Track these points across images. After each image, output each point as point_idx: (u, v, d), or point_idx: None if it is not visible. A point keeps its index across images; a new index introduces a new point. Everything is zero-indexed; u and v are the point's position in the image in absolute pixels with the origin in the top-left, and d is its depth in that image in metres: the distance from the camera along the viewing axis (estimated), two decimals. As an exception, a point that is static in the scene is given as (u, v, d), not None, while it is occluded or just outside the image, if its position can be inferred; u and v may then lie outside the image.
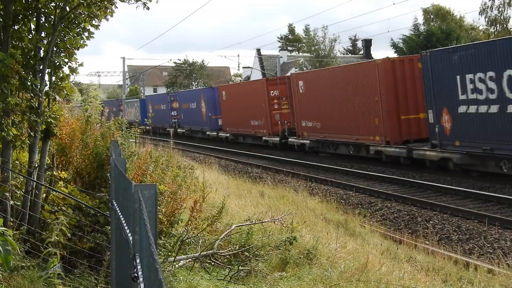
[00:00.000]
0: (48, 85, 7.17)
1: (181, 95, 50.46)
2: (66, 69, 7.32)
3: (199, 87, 68.31)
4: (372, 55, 64.35)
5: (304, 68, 52.55)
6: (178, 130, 48.47)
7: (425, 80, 20.14)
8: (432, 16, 57.33)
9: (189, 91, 54.42)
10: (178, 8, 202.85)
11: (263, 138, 33.61)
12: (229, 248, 7.81)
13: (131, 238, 3.03)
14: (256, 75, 59.84)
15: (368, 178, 20.39)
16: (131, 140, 10.99)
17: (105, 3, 7.22)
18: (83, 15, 7.20)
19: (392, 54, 53.93)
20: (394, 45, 53.80)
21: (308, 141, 28.67)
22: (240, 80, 65.73)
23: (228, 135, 38.81)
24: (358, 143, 24.63)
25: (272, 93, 32.60)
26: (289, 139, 30.87)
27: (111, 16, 7.45)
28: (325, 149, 27.78)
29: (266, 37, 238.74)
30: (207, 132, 42.60)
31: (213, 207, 9.49)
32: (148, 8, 7.53)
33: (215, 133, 41.11)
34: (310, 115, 28.25)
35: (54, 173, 7.45)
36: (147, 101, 59.29)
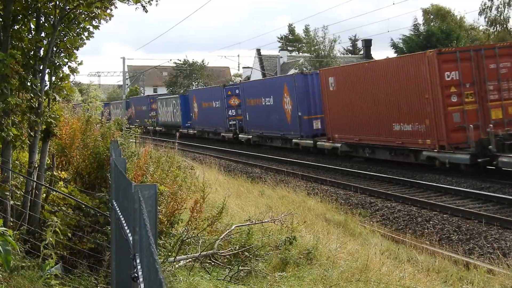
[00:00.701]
0: (48, 85, 7.18)
1: (247, 87, 36.19)
2: (66, 69, 7.34)
3: (200, 85, 67.47)
4: (372, 55, 64.43)
5: (304, 69, 52.43)
6: (240, 135, 35.80)
7: None
8: (432, 16, 57.36)
9: (262, 81, 38.85)
10: (178, 8, 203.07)
11: (424, 153, 19.81)
12: (229, 248, 7.81)
13: (131, 238, 3.03)
14: (256, 75, 59.82)
15: (368, 178, 20.38)
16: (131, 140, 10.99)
17: (105, 3, 7.22)
18: (83, 15, 7.21)
19: (392, 54, 54.02)
20: (394, 45, 53.86)
21: None
22: (240, 81, 65.34)
23: (339, 145, 24.83)
24: None
25: (448, 76, 18.81)
26: (502, 159, 16.95)
27: (110, 19, 7.46)
28: None
29: (266, 37, 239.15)
30: (295, 140, 28.70)
31: (213, 207, 9.49)
32: (146, 11, 7.54)
33: (310, 142, 27.33)
34: None
35: (54, 173, 7.45)
36: (192, 96, 45.71)
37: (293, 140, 28.93)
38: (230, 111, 37.89)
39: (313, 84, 28.00)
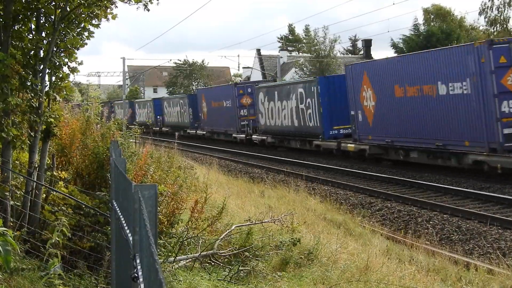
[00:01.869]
0: (48, 85, 7.17)
1: None
2: (65, 69, 7.33)
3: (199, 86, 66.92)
4: (372, 55, 64.37)
5: (304, 69, 52.53)
6: None
7: None
8: (432, 16, 57.34)
9: None
10: (178, 8, 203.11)
11: None
12: (229, 248, 7.81)
13: (131, 238, 3.03)
14: (256, 75, 59.80)
15: (368, 178, 20.37)
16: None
17: (105, 2, 7.22)
18: (83, 15, 7.20)
19: (392, 54, 54.00)
20: (394, 45, 53.83)
21: None
22: (240, 81, 65.17)
23: None
24: None
25: None
26: None
27: (114, 19, 7.46)
28: None
29: (266, 37, 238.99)
30: None
31: (213, 207, 9.49)
32: (148, 10, 7.54)
33: None
34: None
35: (54, 173, 7.44)
36: (359, 76, 23.25)
37: None
38: (507, 102, 16.53)
39: None
